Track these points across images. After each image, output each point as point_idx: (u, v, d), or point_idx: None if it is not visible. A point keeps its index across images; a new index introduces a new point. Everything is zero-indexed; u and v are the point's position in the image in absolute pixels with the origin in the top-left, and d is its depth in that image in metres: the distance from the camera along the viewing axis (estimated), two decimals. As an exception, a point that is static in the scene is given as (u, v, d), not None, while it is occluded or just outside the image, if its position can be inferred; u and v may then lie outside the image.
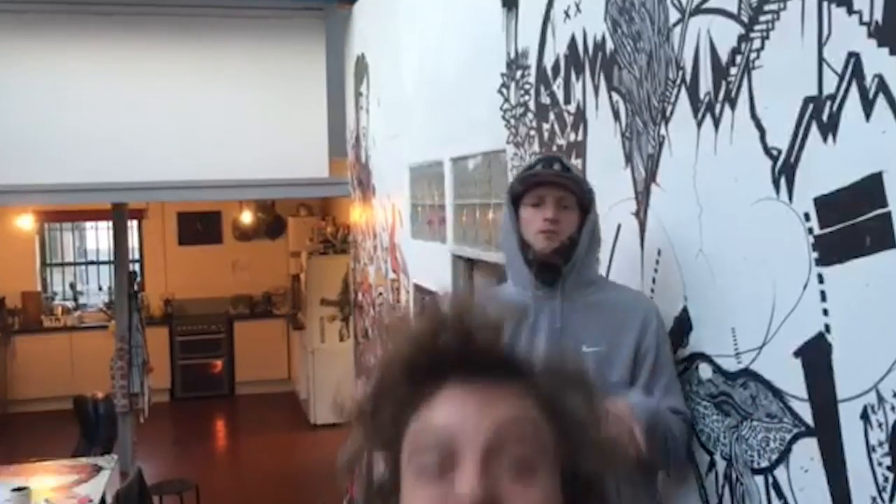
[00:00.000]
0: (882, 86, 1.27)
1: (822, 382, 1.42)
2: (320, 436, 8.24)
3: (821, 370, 1.42)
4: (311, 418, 8.83)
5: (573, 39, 2.32)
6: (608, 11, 2.12)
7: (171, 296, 10.43)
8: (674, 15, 1.82)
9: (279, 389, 10.23)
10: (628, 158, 2.05)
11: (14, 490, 4.26)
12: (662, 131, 1.89)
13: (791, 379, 1.49)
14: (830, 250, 1.39)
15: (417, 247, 4.00)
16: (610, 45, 2.12)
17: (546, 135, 2.53)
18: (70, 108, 5.45)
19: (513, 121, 2.77)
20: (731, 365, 1.68)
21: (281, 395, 10.09)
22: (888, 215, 1.26)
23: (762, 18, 1.53)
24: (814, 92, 1.40)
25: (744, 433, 1.64)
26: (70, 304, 10.50)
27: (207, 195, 6.22)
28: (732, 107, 1.63)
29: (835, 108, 1.36)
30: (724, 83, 1.65)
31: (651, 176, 1.95)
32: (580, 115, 2.30)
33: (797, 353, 1.48)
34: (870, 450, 1.32)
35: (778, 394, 1.54)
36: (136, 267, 10.36)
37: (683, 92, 1.79)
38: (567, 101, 2.38)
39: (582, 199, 1.90)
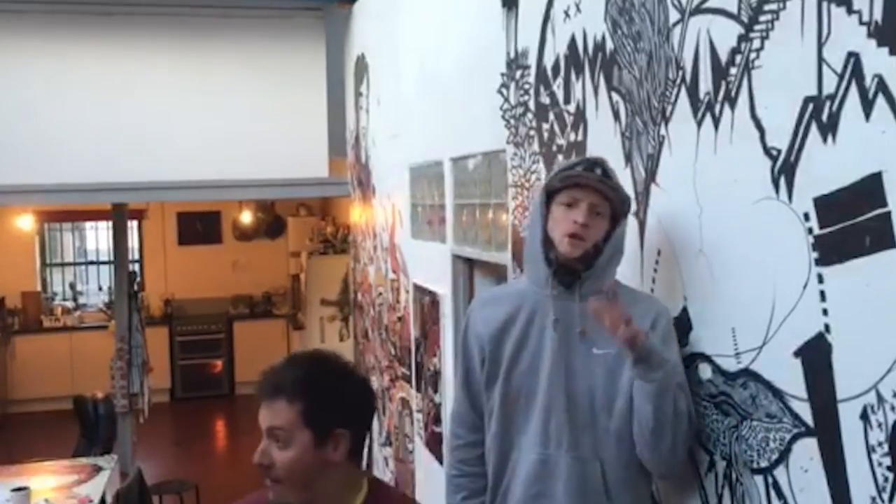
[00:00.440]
0: (882, 86, 1.27)
1: (822, 382, 1.42)
2: (320, 436, 8.23)
3: (821, 370, 1.42)
4: (311, 418, 8.83)
5: (573, 39, 2.32)
6: (608, 11, 2.12)
7: (171, 296, 10.44)
8: (674, 15, 1.82)
9: (279, 389, 10.22)
10: (628, 158, 2.05)
11: (14, 490, 4.26)
12: (662, 131, 1.89)
13: (791, 379, 1.49)
14: (830, 250, 1.38)
15: (417, 247, 4.00)
16: (610, 45, 2.12)
17: (546, 135, 2.53)
18: (70, 108, 5.45)
19: (513, 121, 2.77)
20: (730, 365, 1.68)
21: (281, 395, 10.08)
22: (888, 215, 1.26)
23: (762, 18, 1.53)
24: (813, 92, 1.40)
25: (743, 433, 1.64)
26: (70, 304, 10.51)
27: (207, 195, 6.22)
28: (732, 107, 1.63)
29: (834, 108, 1.36)
30: (723, 83, 1.65)
31: (651, 176, 1.95)
32: (580, 115, 2.30)
33: (797, 353, 1.48)
34: (870, 450, 1.32)
35: (778, 394, 1.54)
36: (136, 267, 10.36)
37: (683, 92, 1.79)
38: (567, 101, 2.38)
39: (616, 209, 1.88)
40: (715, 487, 1.75)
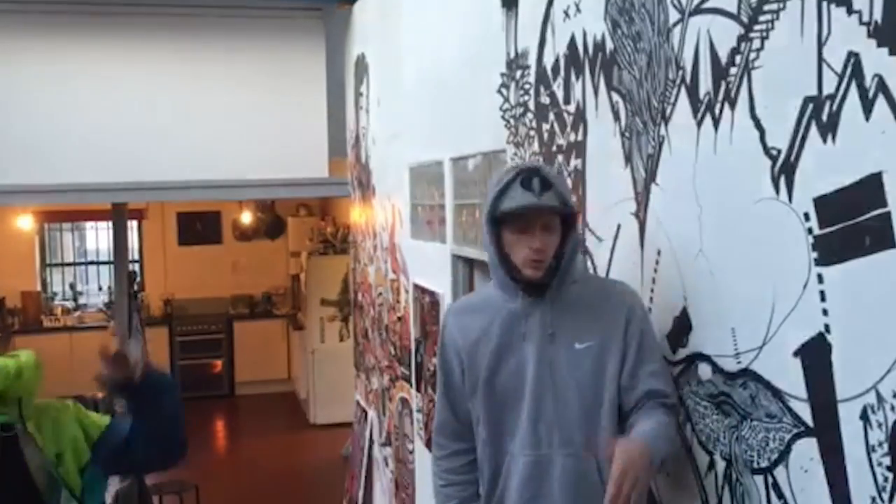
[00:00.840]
0: (882, 86, 1.27)
1: (822, 382, 1.42)
2: (320, 436, 8.25)
3: (821, 370, 1.42)
4: (311, 418, 8.84)
5: (573, 39, 2.32)
6: (608, 11, 2.12)
7: (171, 296, 10.44)
8: (674, 15, 1.82)
9: (279, 389, 10.24)
10: (628, 158, 2.05)
11: (14, 490, 4.25)
12: (662, 131, 1.89)
13: (791, 379, 1.49)
14: (830, 250, 1.39)
15: (417, 247, 4.00)
16: (610, 46, 2.12)
17: (546, 135, 2.53)
18: (70, 108, 5.45)
19: (512, 121, 2.77)
20: (730, 365, 1.68)
21: (281, 395, 10.10)
22: (888, 215, 1.26)
23: (762, 18, 1.53)
24: (813, 92, 1.40)
25: (744, 433, 1.64)
26: (70, 304, 10.51)
27: (207, 195, 6.21)
28: (732, 107, 1.63)
29: (834, 108, 1.36)
30: (723, 83, 1.65)
31: (651, 176, 1.95)
32: (580, 115, 2.30)
33: (797, 353, 1.48)
34: (870, 450, 1.32)
35: (778, 394, 1.54)
36: (136, 267, 10.37)
37: (683, 92, 1.79)
38: (567, 101, 2.38)
39: (564, 212, 1.89)
40: (715, 487, 1.75)
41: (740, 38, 1.59)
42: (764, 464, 1.59)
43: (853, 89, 1.32)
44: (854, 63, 1.32)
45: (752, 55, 1.56)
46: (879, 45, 1.27)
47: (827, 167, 1.39)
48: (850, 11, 1.32)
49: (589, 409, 1.89)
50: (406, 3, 4.19)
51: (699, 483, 1.81)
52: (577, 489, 1.89)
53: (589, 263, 2.28)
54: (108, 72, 5.52)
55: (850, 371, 1.36)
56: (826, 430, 1.42)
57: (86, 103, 5.47)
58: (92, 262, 11.15)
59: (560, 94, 2.42)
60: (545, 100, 2.52)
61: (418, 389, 3.98)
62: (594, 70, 2.21)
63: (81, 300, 10.71)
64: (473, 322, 2.02)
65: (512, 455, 1.96)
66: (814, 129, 1.41)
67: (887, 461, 1.28)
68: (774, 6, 1.50)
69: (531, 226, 1.86)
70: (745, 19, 1.58)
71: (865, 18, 1.29)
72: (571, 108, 2.35)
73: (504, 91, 2.83)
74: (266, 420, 9.33)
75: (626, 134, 2.06)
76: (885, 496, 1.29)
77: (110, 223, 7.82)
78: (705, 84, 1.71)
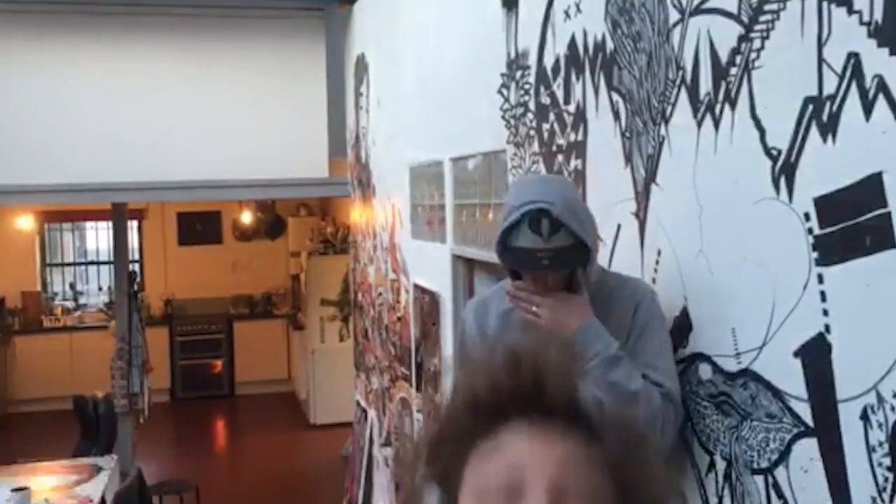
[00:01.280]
0: (882, 86, 1.27)
1: (822, 383, 1.42)
2: (320, 436, 8.25)
3: (821, 370, 1.42)
4: (311, 418, 8.84)
5: (573, 39, 2.32)
6: (608, 12, 2.12)
7: (171, 296, 10.45)
8: (674, 15, 1.82)
9: (279, 389, 10.24)
10: (628, 158, 2.05)
11: (14, 490, 4.27)
12: (662, 131, 1.89)
13: (791, 379, 1.49)
14: (830, 250, 1.38)
15: (417, 247, 4.00)
16: (610, 46, 2.12)
17: (546, 135, 2.53)
18: (70, 108, 5.45)
19: (513, 121, 2.77)
20: (730, 365, 1.68)
21: (281, 395, 10.10)
22: (888, 215, 1.26)
23: (762, 18, 1.53)
24: (814, 92, 1.40)
25: (744, 433, 1.64)
26: (70, 304, 10.52)
27: (207, 195, 6.22)
28: (732, 107, 1.63)
29: (835, 108, 1.36)
30: (724, 83, 1.65)
31: (651, 176, 1.95)
32: (580, 115, 2.30)
33: (797, 354, 1.48)
34: (870, 450, 1.32)
35: (778, 394, 1.54)
36: (136, 267, 10.37)
37: (683, 92, 1.79)
38: (567, 102, 2.38)
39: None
40: (715, 487, 1.75)
41: (740, 38, 1.59)
42: (764, 464, 1.59)
43: (853, 89, 1.32)
44: (854, 63, 1.32)
45: (753, 55, 1.56)
46: (880, 45, 1.27)
47: (827, 167, 1.39)
48: (850, 11, 1.32)
49: None
50: (406, 3, 4.19)
51: (699, 483, 1.81)
52: None
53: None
54: (108, 72, 5.52)
55: (851, 371, 1.36)
56: (826, 431, 1.42)
57: (86, 103, 5.47)
58: (92, 262, 11.16)
59: (560, 95, 2.42)
60: (545, 100, 2.52)
61: (418, 389, 3.98)
62: (594, 70, 2.21)
63: (81, 300, 10.72)
64: (490, 306, 2.03)
65: None
66: (814, 130, 1.41)
67: (887, 461, 1.28)
68: (775, 6, 1.50)
69: (544, 279, 1.82)
70: (745, 19, 1.58)
71: (866, 18, 1.29)
72: (571, 108, 2.35)
73: (504, 91, 2.83)
74: (266, 420, 9.33)
75: (627, 134, 2.06)
76: (886, 496, 1.29)
77: (110, 223, 7.83)
78: (705, 84, 1.71)
